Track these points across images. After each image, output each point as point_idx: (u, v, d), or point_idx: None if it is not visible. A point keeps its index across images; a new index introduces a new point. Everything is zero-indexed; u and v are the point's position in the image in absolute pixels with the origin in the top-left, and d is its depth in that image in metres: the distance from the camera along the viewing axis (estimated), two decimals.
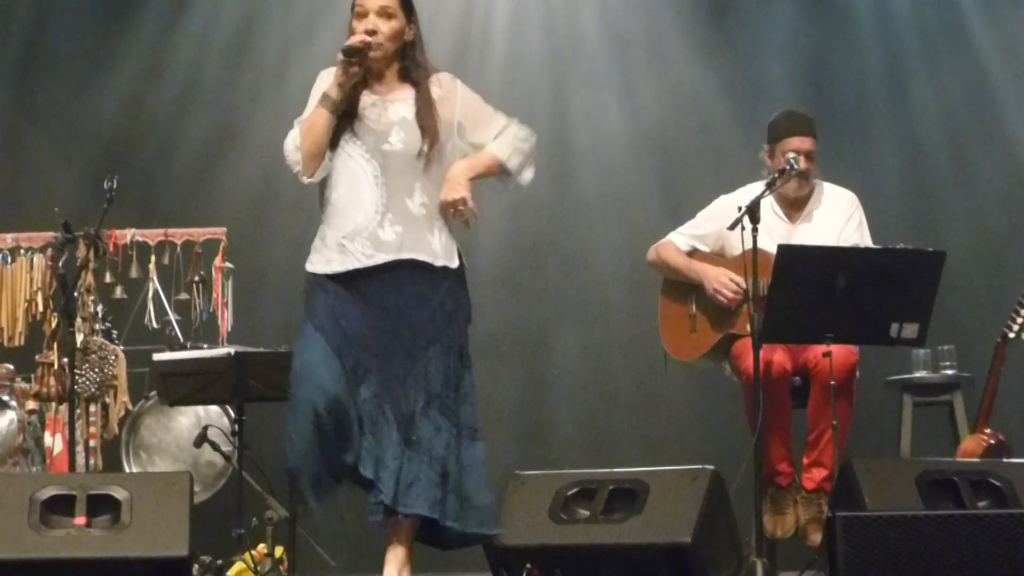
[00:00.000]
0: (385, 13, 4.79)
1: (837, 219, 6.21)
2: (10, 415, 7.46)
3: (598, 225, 8.73)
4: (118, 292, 7.88)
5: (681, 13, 8.80)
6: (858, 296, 5.57)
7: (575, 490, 5.35)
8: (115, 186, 6.65)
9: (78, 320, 7.03)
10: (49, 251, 7.74)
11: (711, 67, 8.75)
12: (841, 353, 5.73)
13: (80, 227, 7.00)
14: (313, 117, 4.77)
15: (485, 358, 8.59)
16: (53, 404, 7.42)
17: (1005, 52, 8.48)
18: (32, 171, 8.87)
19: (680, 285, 6.33)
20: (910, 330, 5.67)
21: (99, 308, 7.51)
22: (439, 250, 4.83)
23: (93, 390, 7.34)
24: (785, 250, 5.62)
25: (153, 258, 7.97)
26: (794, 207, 6.24)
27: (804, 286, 5.57)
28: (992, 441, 6.49)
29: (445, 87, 4.93)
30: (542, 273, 8.78)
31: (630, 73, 8.83)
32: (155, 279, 7.94)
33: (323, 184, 4.85)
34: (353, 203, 4.77)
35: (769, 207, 6.06)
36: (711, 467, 5.34)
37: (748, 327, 5.72)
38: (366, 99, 4.85)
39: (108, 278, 7.84)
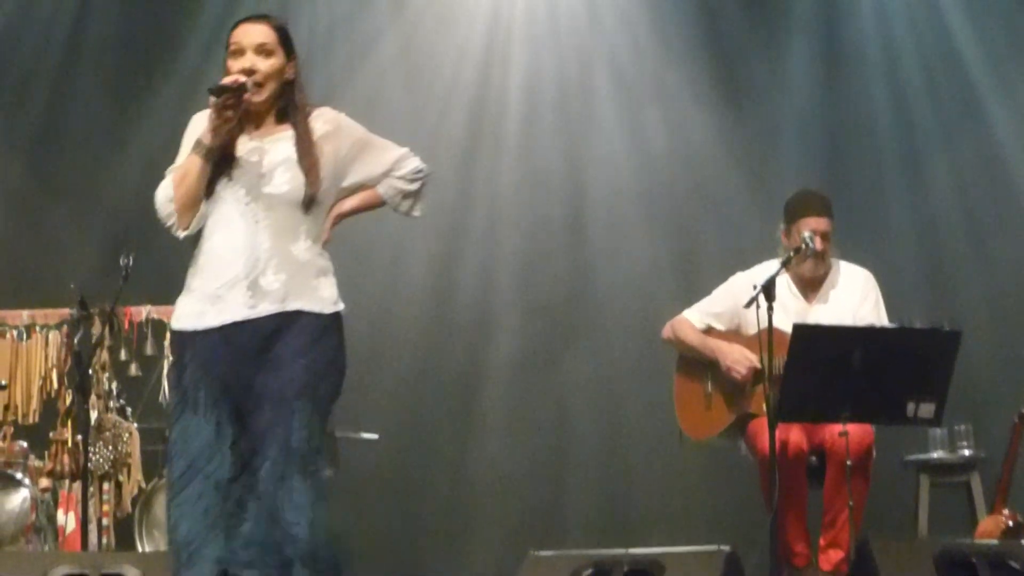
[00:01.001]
0: (263, 50, 4.44)
1: (853, 298, 6.20)
2: (23, 493, 7.43)
3: (613, 300, 8.74)
4: (133, 369, 7.89)
5: (698, 92, 8.84)
6: (874, 375, 5.54)
7: (590, 570, 5.29)
8: (131, 263, 6.67)
9: (92, 397, 7.05)
10: (65, 328, 7.76)
11: (727, 144, 8.79)
12: (857, 433, 5.70)
13: (96, 303, 7.02)
14: (186, 165, 4.40)
15: (498, 429, 8.69)
16: (67, 482, 7.41)
17: (1019, 127, 8.49)
18: (49, 246, 8.90)
19: (696, 363, 6.31)
20: (926, 410, 5.63)
21: (114, 385, 7.53)
22: (326, 296, 4.45)
23: (107, 468, 7.34)
24: (801, 329, 5.60)
25: (168, 335, 7.96)
26: (810, 286, 6.23)
27: (820, 365, 5.55)
28: (1011, 522, 6.45)
29: (329, 121, 4.55)
30: (556, 345, 8.80)
31: (646, 151, 8.88)
32: (170, 356, 7.93)
33: (196, 234, 4.46)
34: (232, 250, 4.37)
35: (785, 286, 6.06)
36: (727, 548, 5.29)
37: (764, 406, 5.69)
38: (243, 142, 4.47)
39: (123, 355, 7.85)
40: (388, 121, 8.77)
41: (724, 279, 6.42)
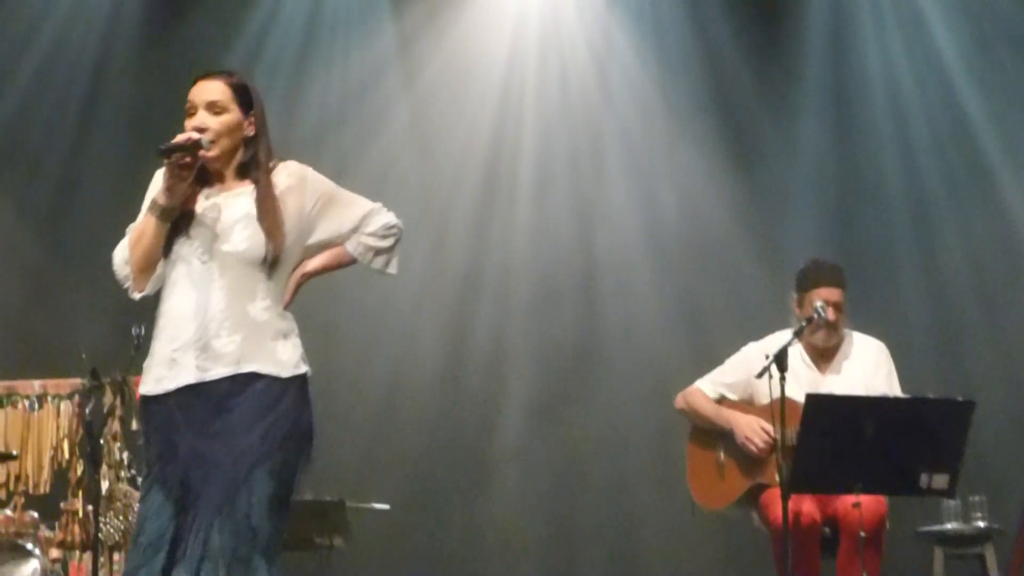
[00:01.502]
0: (215, 108, 4.25)
1: (866, 369, 6.18)
2: (34, 564, 7.39)
3: (623, 363, 8.78)
4: None
5: (708, 158, 8.92)
6: (887, 446, 5.51)
7: None
8: (143, 332, 6.65)
9: (104, 467, 7.01)
10: (76, 398, 7.74)
11: (737, 210, 8.84)
12: (871, 504, 5.67)
13: (107, 373, 7.01)
14: (141, 226, 4.22)
15: (509, 495, 8.67)
16: (77, 552, 7.38)
17: None
18: (60, 317, 8.92)
19: (708, 432, 6.29)
20: (940, 481, 5.60)
21: (125, 455, 7.50)
22: (285, 359, 4.20)
23: (118, 538, 7.30)
24: (814, 399, 5.58)
25: None
26: (823, 357, 6.21)
27: (833, 436, 5.52)
28: None
29: (293, 174, 4.32)
30: (567, 409, 8.81)
31: (657, 216, 8.93)
32: None
33: (157, 294, 4.27)
34: (187, 311, 4.16)
35: (798, 356, 6.05)
36: None
37: (777, 476, 5.67)
38: (202, 199, 4.25)
39: (134, 425, 7.82)
40: (401, 190, 8.89)
41: (733, 343, 6.43)
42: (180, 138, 4.18)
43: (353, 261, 4.43)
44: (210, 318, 4.15)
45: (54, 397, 7.87)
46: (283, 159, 4.36)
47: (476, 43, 9.32)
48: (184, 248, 4.21)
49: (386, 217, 4.43)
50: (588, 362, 8.83)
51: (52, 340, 8.81)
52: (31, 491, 7.80)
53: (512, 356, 8.93)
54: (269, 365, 4.16)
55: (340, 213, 4.36)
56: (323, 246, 4.37)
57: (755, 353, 6.20)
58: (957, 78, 8.69)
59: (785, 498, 5.52)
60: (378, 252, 4.43)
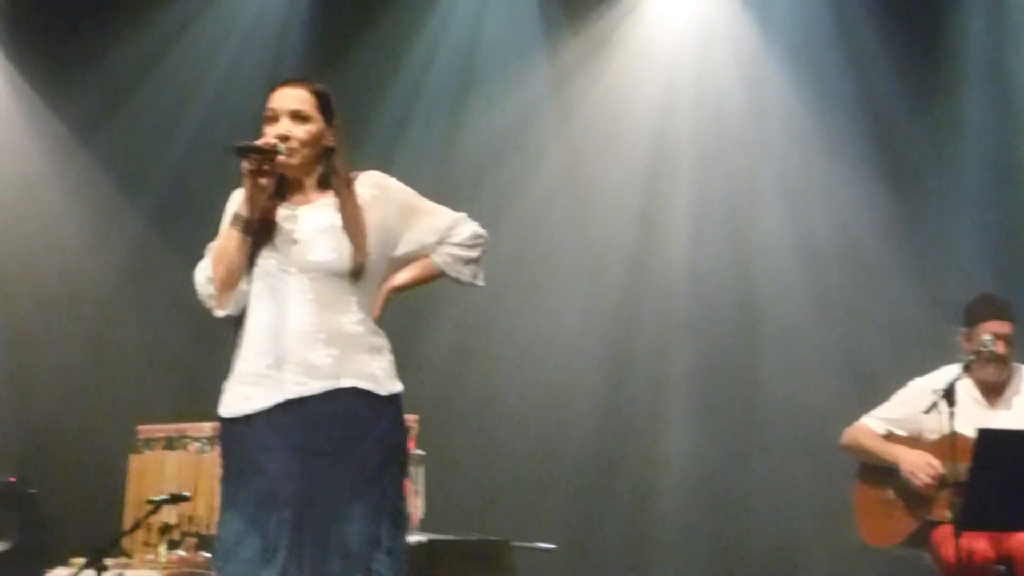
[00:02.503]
0: (299, 116, 4.15)
1: None
2: None
3: (785, 401, 8.68)
4: None
5: (867, 194, 8.80)
6: None
7: None
8: None
9: None
10: None
11: (898, 246, 8.72)
12: None
13: None
14: (223, 241, 4.11)
15: (674, 537, 8.63)
16: None
17: None
18: (227, 360, 9.04)
19: (877, 470, 6.23)
20: None
21: None
22: (380, 375, 4.10)
23: None
24: (987, 435, 5.50)
25: None
26: (993, 392, 6.13)
27: (1006, 472, 5.43)
28: None
29: (375, 185, 4.24)
30: (729, 449, 8.75)
31: (816, 254, 8.84)
32: None
33: (239, 313, 4.14)
34: (278, 325, 4.04)
35: (967, 391, 5.98)
36: None
37: (948, 514, 5.59)
38: (283, 212, 4.15)
39: None
40: (556, 231, 8.95)
41: (896, 380, 6.37)
42: (259, 141, 4.10)
43: (441, 274, 4.32)
44: (303, 331, 4.04)
45: None
46: (362, 169, 4.29)
47: (630, 81, 9.34)
48: (268, 262, 4.11)
49: (472, 226, 4.35)
50: (748, 396, 8.77)
51: (220, 383, 8.96)
52: (203, 531, 7.94)
53: (672, 390, 8.91)
54: (365, 380, 4.07)
55: (425, 223, 4.28)
56: (409, 258, 4.28)
57: (922, 388, 6.14)
58: None
59: (957, 536, 5.43)
60: (466, 262, 4.32)
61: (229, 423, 4.10)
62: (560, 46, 9.49)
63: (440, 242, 4.29)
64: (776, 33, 9.14)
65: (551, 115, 9.49)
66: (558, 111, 9.49)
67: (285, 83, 4.26)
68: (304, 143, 4.15)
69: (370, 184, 4.23)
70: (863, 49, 8.92)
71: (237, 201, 4.15)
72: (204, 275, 4.14)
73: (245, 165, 4.04)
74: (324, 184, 4.20)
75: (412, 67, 9.56)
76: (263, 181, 4.06)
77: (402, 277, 4.27)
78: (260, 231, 4.10)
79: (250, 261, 4.10)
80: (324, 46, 9.57)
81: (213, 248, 4.16)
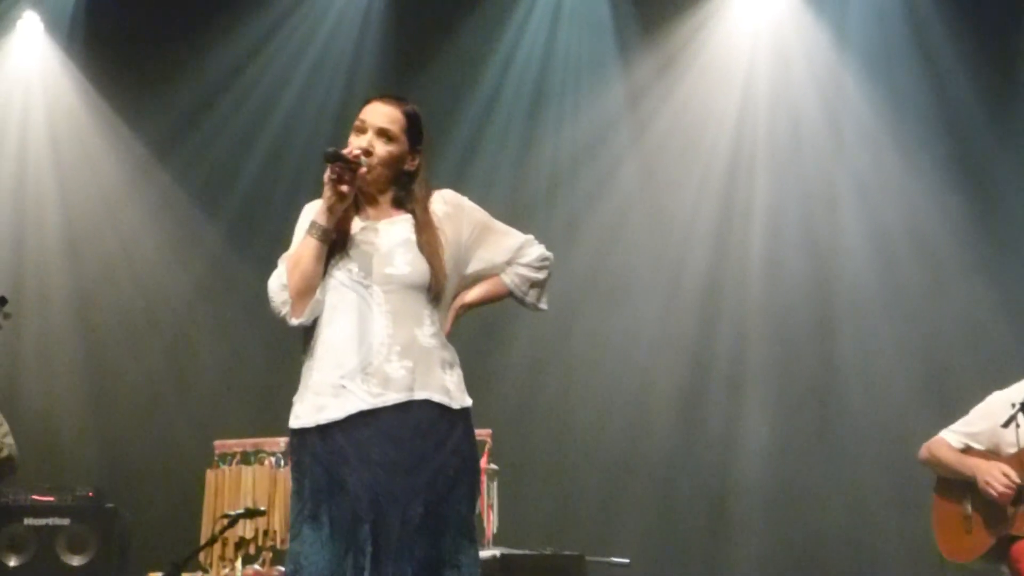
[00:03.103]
0: (385, 135, 4.19)
1: None
2: None
3: (864, 418, 8.66)
4: None
5: (945, 208, 8.77)
6: None
7: None
8: None
9: None
10: None
11: (978, 260, 8.67)
12: None
13: None
14: (299, 249, 4.10)
15: (748, 552, 8.58)
16: None
17: None
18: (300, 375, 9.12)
19: (954, 485, 6.16)
20: None
21: None
22: (452, 388, 4.11)
23: None
24: None
25: None
26: None
27: None
28: None
29: (449, 202, 4.27)
30: (807, 468, 8.70)
31: (895, 268, 8.81)
32: None
33: (311, 324, 4.13)
34: (354, 337, 4.04)
35: None
36: None
37: None
38: (359, 225, 4.19)
39: None
40: (632, 246, 8.93)
41: (977, 396, 6.28)
42: (347, 150, 4.12)
43: (508, 293, 4.35)
44: (378, 343, 4.05)
45: None
46: (436, 186, 4.31)
47: (705, 97, 9.33)
48: (343, 273, 4.11)
49: (540, 249, 4.38)
50: (827, 410, 8.73)
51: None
52: (279, 546, 7.98)
53: (749, 405, 8.88)
54: (439, 394, 4.08)
55: (496, 243, 4.31)
56: (478, 276, 4.30)
57: (1001, 402, 6.07)
58: None
59: None
60: (533, 284, 4.36)
61: (301, 434, 4.09)
62: (634, 61, 9.49)
63: (509, 262, 4.33)
64: (850, 42, 9.11)
65: (626, 130, 9.49)
66: (633, 126, 9.49)
67: (381, 98, 4.29)
68: (384, 162, 4.18)
69: (444, 201, 4.27)
70: (938, 56, 8.88)
71: (310, 213, 4.17)
72: (279, 282, 4.12)
73: (327, 174, 4.07)
74: (399, 204, 4.24)
75: (486, 83, 9.60)
76: (343, 189, 4.07)
77: (473, 294, 4.31)
78: (336, 242, 4.12)
79: (326, 272, 4.10)
80: (398, 64, 9.63)
81: (287, 257, 4.15)
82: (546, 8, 9.67)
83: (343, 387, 4.03)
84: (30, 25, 10.05)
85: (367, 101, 4.28)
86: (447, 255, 4.18)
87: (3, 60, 10.10)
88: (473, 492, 4.14)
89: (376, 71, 9.66)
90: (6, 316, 7.17)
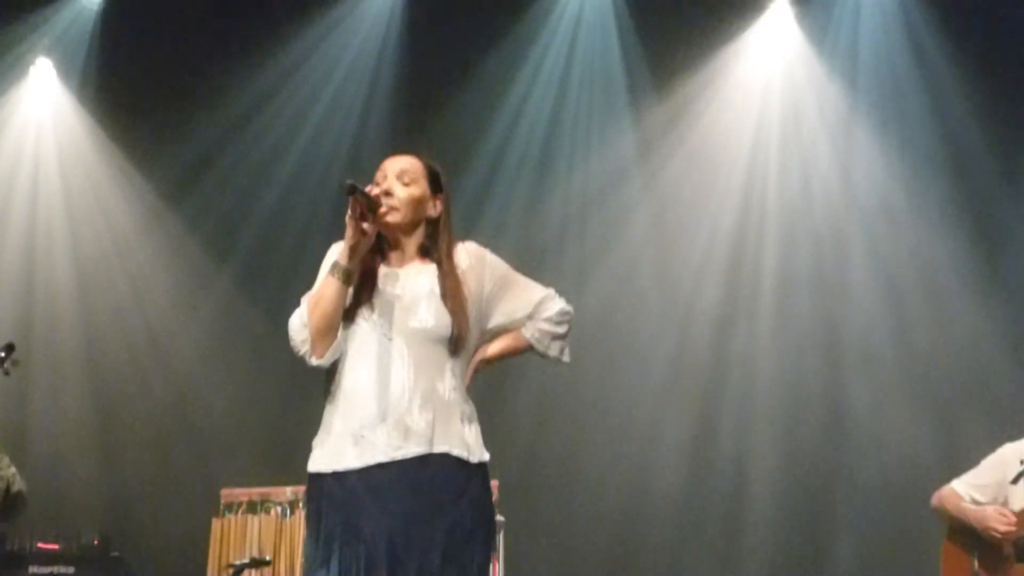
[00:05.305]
0: (405, 178, 4.22)
1: None
2: None
3: (874, 472, 8.59)
4: None
5: (957, 261, 8.72)
6: None
7: None
8: None
9: None
10: None
11: (987, 313, 8.64)
12: None
13: None
14: (321, 289, 4.09)
15: None
16: None
17: None
18: (311, 423, 9.06)
19: (963, 535, 6.15)
20: None
21: None
22: (471, 442, 4.10)
23: None
24: None
25: None
26: None
27: None
28: None
29: (473, 255, 4.27)
30: (816, 522, 8.66)
31: (904, 321, 8.78)
32: None
33: (332, 369, 4.13)
34: (375, 386, 4.04)
35: None
36: None
37: None
38: (383, 272, 4.19)
39: None
40: (642, 294, 8.91)
41: (985, 438, 6.29)
42: (367, 188, 4.12)
43: (529, 348, 4.34)
44: (399, 392, 4.04)
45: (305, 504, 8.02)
46: (461, 240, 4.31)
47: (716, 146, 9.33)
48: (366, 321, 4.11)
49: (561, 303, 4.36)
50: (839, 455, 8.68)
51: (304, 446, 8.98)
52: None
53: (756, 464, 8.83)
54: (458, 447, 4.06)
55: (517, 296, 4.31)
56: (499, 330, 4.30)
57: (1011, 454, 6.05)
58: None
59: None
60: (554, 338, 4.34)
61: (318, 478, 4.08)
62: (645, 111, 9.50)
63: (531, 316, 4.32)
64: (862, 92, 9.12)
65: (636, 179, 9.49)
66: (643, 175, 9.50)
67: (399, 151, 4.33)
68: (404, 203, 4.19)
69: (467, 253, 4.28)
70: (952, 113, 8.87)
71: (334, 253, 4.16)
72: (299, 320, 4.10)
73: (348, 212, 4.06)
74: (424, 253, 4.25)
75: (497, 131, 9.61)
76: (365, 227, 4.07)
77: (494, 349, 4.31)
78: (360, 288, 4.13)
79: (349, 317, 4.11)
80: (410, 112, 9.64)
81: (310, 296, 4.14)
82: (559, 57, 9.69)
83: (363, 436, 4.02)
84: (43, 72, 10.10)
85: (386, 157, 4.31)
86: (470, 309, 4.18)
87: (16, 106, 10.14)
88: (489, 544, 4.11)
89: (388, 119, 9.68)
90: (15, 363, 7.17)
